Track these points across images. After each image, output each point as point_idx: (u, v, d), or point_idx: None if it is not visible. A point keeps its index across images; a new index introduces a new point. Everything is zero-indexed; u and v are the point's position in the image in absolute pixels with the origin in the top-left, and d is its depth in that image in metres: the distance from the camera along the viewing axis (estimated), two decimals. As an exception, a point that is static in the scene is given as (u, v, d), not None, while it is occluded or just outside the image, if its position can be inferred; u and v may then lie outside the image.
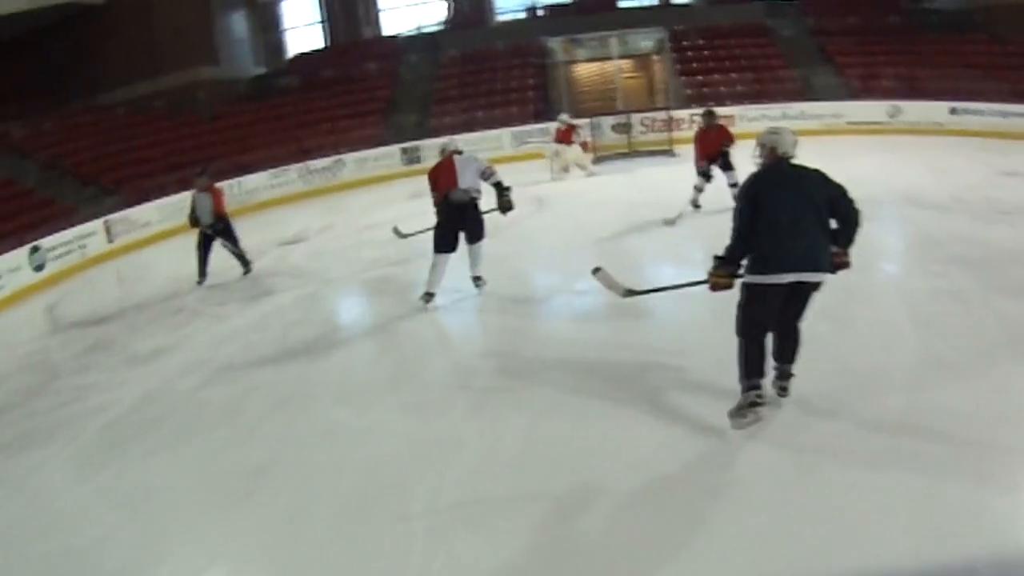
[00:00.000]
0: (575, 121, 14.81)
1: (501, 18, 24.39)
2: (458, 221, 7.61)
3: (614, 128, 16.84)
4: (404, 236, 9.76)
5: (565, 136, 14.55)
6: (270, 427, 5.52)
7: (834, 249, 4.49)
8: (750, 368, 4.63)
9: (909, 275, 7.37)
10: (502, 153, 17.07)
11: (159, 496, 4.79)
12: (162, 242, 14.43)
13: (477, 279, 8.04)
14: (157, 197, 15.16)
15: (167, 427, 5.80)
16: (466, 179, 7.55)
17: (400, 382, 6.05)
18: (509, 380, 5.75)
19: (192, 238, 10.48)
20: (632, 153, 16.39)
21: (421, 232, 8.81)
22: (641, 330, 6.45)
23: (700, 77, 19.16)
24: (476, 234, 7.72)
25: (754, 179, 4.63)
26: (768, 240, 4.43)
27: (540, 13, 23.79)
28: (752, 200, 4.51)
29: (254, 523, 4.33)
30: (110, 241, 14.13)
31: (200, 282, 10.16)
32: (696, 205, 10.25)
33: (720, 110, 12.11)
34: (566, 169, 14.63)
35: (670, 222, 9.86)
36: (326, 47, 24.31)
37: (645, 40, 19.39)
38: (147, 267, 12.47)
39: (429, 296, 7.72)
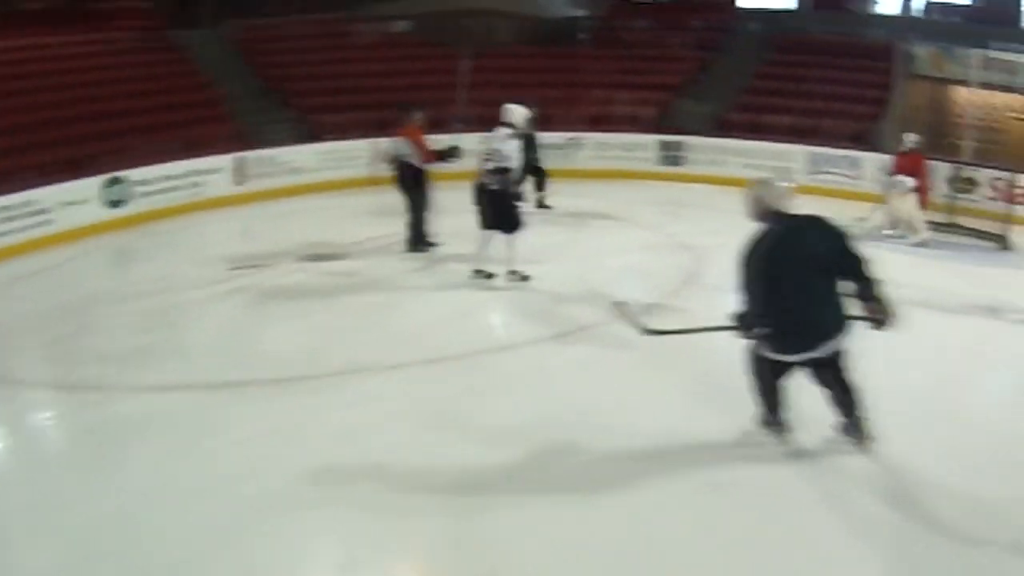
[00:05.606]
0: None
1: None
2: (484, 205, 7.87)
3: (950, 183, 11.82)
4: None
5: (910, 164, 10.03)
6: None
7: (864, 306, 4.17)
8: (760, 400, 4.62)
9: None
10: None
11: None
12: (308, 196, 10.95)
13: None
14: (337, 138, 12.43)
15: None
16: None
17: None
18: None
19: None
20: (949, 226, 10.59)
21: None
22: None
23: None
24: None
25: (749, 243, 4.31)
26: (769, 313, 4.22)
27: (916, 12, 18.70)
28: (747, 268, 4.27)
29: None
30: (237, 183, 10.99)
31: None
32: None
33: None
34: (894, 226, 10.12)
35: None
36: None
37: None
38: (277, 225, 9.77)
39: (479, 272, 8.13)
